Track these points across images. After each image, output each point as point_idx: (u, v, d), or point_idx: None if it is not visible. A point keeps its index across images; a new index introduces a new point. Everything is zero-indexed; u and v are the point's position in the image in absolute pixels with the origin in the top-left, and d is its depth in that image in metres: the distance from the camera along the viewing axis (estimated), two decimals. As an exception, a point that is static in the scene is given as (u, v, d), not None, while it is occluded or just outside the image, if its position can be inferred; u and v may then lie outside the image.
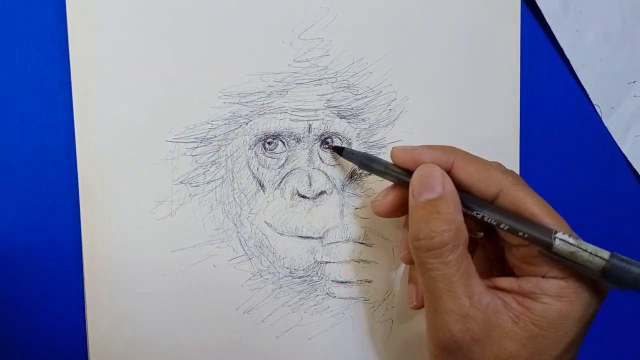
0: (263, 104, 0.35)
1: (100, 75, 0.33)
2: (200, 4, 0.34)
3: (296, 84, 0.35)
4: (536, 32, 0.40)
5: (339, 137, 0.36)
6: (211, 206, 0.35)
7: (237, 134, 0.35)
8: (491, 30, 0.38)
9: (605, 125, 0.41)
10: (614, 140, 0.41)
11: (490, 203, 0.30)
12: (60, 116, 0.34)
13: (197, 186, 0.35)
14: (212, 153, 0.35)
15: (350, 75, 0.36)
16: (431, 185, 0.29)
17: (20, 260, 0.34)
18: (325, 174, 0.36)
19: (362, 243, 0.37)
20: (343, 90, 0.36)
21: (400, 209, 0.33)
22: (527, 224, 0.28)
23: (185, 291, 0.35)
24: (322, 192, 0.36)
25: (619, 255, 0.27)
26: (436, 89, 0.37)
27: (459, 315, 0.28)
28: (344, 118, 0.36)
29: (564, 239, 0.27)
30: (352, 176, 0.37)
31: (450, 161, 0.30)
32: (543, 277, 0.28)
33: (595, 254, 0.27)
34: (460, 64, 0.37)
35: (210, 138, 0.35)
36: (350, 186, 0.37)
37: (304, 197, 0.36)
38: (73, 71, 0.33)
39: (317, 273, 0.37)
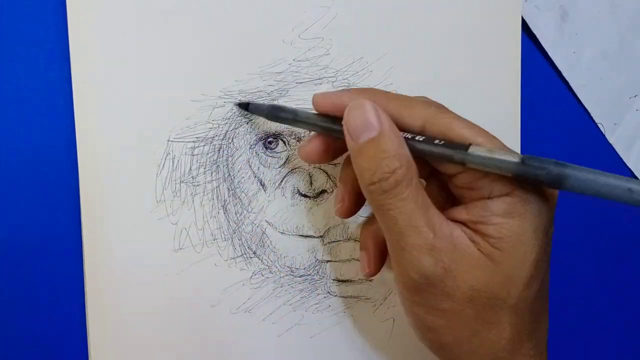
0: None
1: (100, 75, 0.33)
2: (200, 3, 0.34)
3: (297, 83, 0.35)
4: (534, 55, 0.39)
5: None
6: (212, 205, 0.35)
7: (238, 133, 0.35)
8: (491, 30, 0.38)
9: (610, 142, 0.41)
10: (619, 156, 0.41)
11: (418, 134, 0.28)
12: (60, 116, 0.34)
13: (197, 185, 0.35)
14: (213, 152, 0.35)
15: (350, 74, 0.36)
16: (368, 122, 0.27)
17: (20, 260, 0.34)
18: (326, 173, 0.36)
19: (363, 242, 0.37)
20: (343, 90, 0.36)
21: (327, 154, 0.31)
22: (441, 144, 0.27)
23: (187, 290, 0.35)
24: (323, 191, 0.36)
25: (530, 156, 0.25)
26: (436, 88, 0.37)
27: (426, 248, 0.26)
28: (345, 117, 0.36)
29: (476, 152, 0.26)
30: (352, 175, 0.37)
31: (372, 100, 0.28)
32: (488, 198, 0.27)
33: (507, 158, 0.25)
34: (460, 63, 0.38)
35: (211, 137, 0.35)
36: (351, 185, 0.37)
37: (305, 196, 0.36)
38: (73, 71, 0.33)
39: (318, 272, 0.37)
